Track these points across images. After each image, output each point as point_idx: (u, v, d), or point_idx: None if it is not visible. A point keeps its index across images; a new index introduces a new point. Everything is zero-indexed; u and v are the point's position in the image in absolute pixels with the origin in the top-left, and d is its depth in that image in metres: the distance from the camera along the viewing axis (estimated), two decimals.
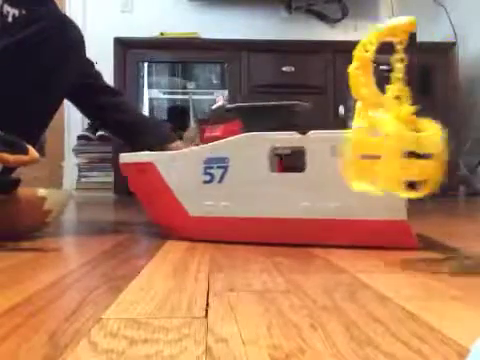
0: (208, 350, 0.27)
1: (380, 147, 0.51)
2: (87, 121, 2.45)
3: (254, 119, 0.72)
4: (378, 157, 0.51)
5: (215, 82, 2.58)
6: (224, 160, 0.69)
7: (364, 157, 0.54)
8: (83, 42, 0.88)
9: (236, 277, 0.46)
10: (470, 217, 1.31)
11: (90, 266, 0.53)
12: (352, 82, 0.61)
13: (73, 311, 0.34)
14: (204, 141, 0.76)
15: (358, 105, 0.64)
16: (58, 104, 0.90)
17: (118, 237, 0.76)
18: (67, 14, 1.02)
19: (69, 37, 0.85)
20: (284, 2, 2.50)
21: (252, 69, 2.32)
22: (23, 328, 0.31)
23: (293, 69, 2.30)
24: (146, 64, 2.48)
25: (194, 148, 0.73)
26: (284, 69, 2.31)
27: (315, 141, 0.65)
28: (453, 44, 2.40)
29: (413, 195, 0.50)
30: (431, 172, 0.50)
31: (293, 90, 2.21)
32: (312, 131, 0.65)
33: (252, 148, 0.67)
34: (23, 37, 0.80)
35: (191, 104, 2.40)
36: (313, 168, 0.65)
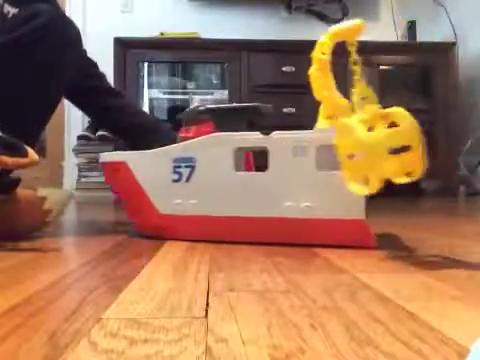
0: (208, 350, 0.27)
1: (360, 146, 0.52)
2: (87, 121, 2.45)
3: (224, 120, 0.74)
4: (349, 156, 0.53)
5: (215, 82, 2.58)
6: (191, 160, 0.71)
7: (350, 157, 0.55)
8: (80, 39, 0.88)
9: (236, 277, 0.46)
10: (470, 217, 1.31)
11: (90, 266, 0.53)
12: (313, 84, 0.63)
13: (73, 311, 0.34)
14: (180, 141, 0.78)
15: (321, 107, 0.66)
16: (57, 102, 0.89)
17: (118, 237, 0.76)
18: (67, 14, 1.01)
19: (66, 34, 0.85)
20: (284, 2, 2.50)
21: (252, 69, 2.32)
22: (23, 328, 0.31)
23: (293, 69, 2.30)
24: (146, 64, 2.48)
25: (164, 148, 0.75)
26: (284, 69, 2.31)
27: (277, 141, 0.67)
28: (453, 44, 2.40)
29: (402, 180, 0.50)
30: (413, 163, 0.50)
31: (293, 90, 2.21)
32: (275, 132, 0.67)
33: (217, 148, 0.70)
34: (20, 34, 0.79)
35: (191, 104, 2.40)
36: (275, 168, 0.67)
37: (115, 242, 0.71)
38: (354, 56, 0.58)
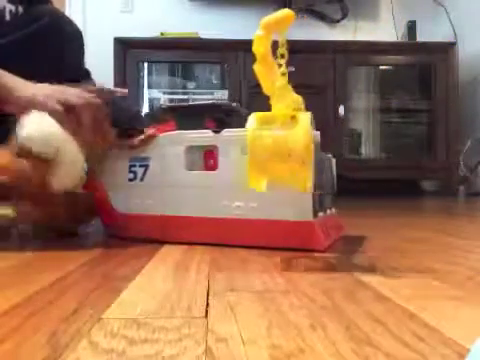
0: (208, 350, 0.27)
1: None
2: None
3: (187, 119, 0.74)
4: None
5: (215, 82, 2.58)
6: (145, 159, 0.72)
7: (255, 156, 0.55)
8: (81, 37, 0.89)
9: (236, 277, 0.46)
10: (470, 217, 1.31)
11: (90, 266, 0.53)
12: (260, 79, 0.61)
13: (73, 311, 0.34)
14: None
15: (271, 100, 0.63)
16: None
17: (118, 237, 0.76)
18: (67, 14, 1.02)
19: (68, 32, 0.86)
20: (284, 2, 2.50)
21: (252, 69, 2.32)
22: (23, 328, 0.31)
23: (293, 69, 2.30)
24: (146, 64, 2.47)
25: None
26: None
27: (227, 140, 0.67)
28: (453, 44, 2.40)
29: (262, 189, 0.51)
30: (291, 172, 0.50)
31: (293, 90, 2.21)
32: (225, 130, 0.67)
33: (170, 147, 0.70)
34: (25, 34, 0.80)
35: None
36: (224, 167, 0.67)
37: (115, 242, 0.71)
38: (283, 49, 0.56)
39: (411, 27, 2.60)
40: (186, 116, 0.75)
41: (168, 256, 0.59)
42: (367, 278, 0.45)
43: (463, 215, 1.39)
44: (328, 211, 0.71)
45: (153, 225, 0.71)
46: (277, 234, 0.63)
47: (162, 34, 2.39)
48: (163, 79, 2.57)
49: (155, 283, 0.44)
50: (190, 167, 0.70)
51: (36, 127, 0.61)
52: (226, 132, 0.67)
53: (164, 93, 2.53)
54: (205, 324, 0.31)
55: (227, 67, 2.36)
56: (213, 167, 0.69)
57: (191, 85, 2.53)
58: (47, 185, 0.62)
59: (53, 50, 0.83)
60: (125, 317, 0.33)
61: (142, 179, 0.72)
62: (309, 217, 0.61)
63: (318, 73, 2.30)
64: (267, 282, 0.44)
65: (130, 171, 0.73)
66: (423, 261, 0.56)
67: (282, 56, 0.56)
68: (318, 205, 0.65)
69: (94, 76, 1.11)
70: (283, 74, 0.56)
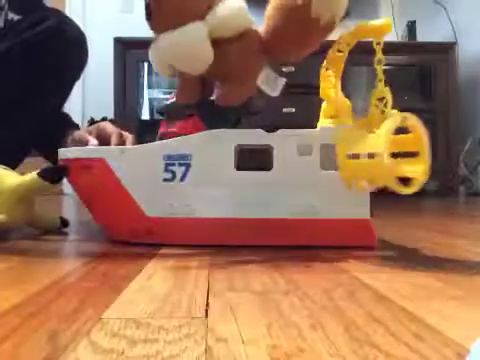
0: (208, 350, 0.27)
1: (369, 146, 0.51)
2: (86, 121, 2.44)
3: (214, 116, 0.69)
4: (369, 156, 0.51)
5: None
6: (186, 157, 0.66)
7: (350, 156, 0.54)
8: (85, 40, 0.89)
9: (236, 277, 0.46)
10: (470, 217, 1.31)
11: (90, 266, 0.53)
12: (322, 82, 0.62)
13: (73, 311, 0.34)
14: (158, 137, 0.73)
15: (323, 105, 0.64)
16: (61, 103, 0.91)
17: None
18: (67, 14, 1.02)
19: (72, 36, 0.86)
20: None
21: None
22: (23, 328, 0.31)
23: (293, 69, 2.30)
24: (146, 64, 2.48)
25: (152, 144, 0.68)
26: (284, 69, 2.31)
27: (282, 139, 0.64)
28: (453, 44, 2.40)
29: (406, 191, 0.50)
30: (418, 170, 0.50)
31: (293, 90, 2.21)
32: (281, 129, 0.65)
33: (216, 145, 0.65)
34: (28, 37, 0.81)
35: None
36: (280, 167, 0.65)
37: (115, 242, 0.70)
38: (379, 55, 0.55)
39: (411, 27, 2.60)
40: (212, 113, 0.69)
41: (168, 256, 0.59)
42: (367, 278, 0.45)
43: (463, 215, 1.39)
44: None
45: (194, 228, 0.66)
46: (336, 232, 0.64)
47: None
48: (163, 79, 2.57)
49: (155, 283, 0.44)
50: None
51: None
52: (281, 131, 0.65)
53: (164, 93, 2.53)
54: (205, 324, 0.31)
55: None
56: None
57: None
58: None
59: (56, 52, 0.84)
60: (125, 317, 0.33)
61: (182, 179, 0.66)
62: (366, 215, 0.64)
63: (318, 73, 2.30)
64: (267, 282, 0.44)
65: (167, 170, 0.66)
66: (423, 261, 0.56)
67: (379, 62, 0.55)
68: None
69: (94, 76, 1.12)
70: (381, 81, 0.55)
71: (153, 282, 0.44)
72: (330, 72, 0.61)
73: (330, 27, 0.58)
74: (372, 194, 0.64)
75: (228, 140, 0.65)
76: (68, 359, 0.25)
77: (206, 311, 0.34)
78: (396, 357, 0.26)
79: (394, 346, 0.27)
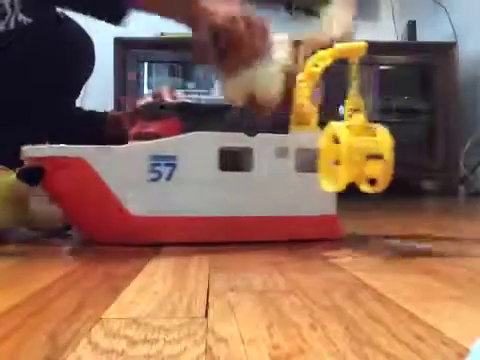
0: (208, 350, 0.27)
1: (340, 153, 0.57)
2: None
3: (199, 119, 0.73)
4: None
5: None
6: (172, 158, 0.68)
7: (336, 163, 0.59)
8: (92, 43, 0.91)
9: (236, 277, 0.46)
10: (470, 217, 1.31)
11: (90, 266, 0.53)
12: (298, 91, 0.69)
13: (73, 311, 0.34)
14: (133, 136, 0.73)
15: (293, 115, 0.72)
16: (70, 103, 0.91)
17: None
18: (67, 14, 1.03)
19: (78, 40, 0.88)
20: (284, 2, 2.49)
21: None
22: (23, 328, 0.31)
23: None
24: (146, 64, 2.47)
25: (138, 144, 0.69)
26: None
27: (262, 142, 0.70)
28: (453, 44, 2.40)
29: (371, 190, 0.59)
30: (382, 171, 0.56)
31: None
32: (260, 133, 0.70)
33: (201, 147, 0.69)
34: (34, 41, 0.82)
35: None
36: (259, 168, 0.69)
37: (114, 242, 0.70)
38: (354, 72, 0.62)
39: (411, 27, 2.60)
40: (195, 116, 0.73)
41: (168, 256, 0.59)
42: (367, 278, 0.45)
43: (463, 215, 1.39)
44: None
45: (178, 226, 0.67)
46: (310, 227, 0.71)
47: (162, 34, 2.39)
48: (163, 79, 2.57)
49: (155, 283, 0.44)
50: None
51: None
52: (261, 135, 0.70)
53: None
54: (205, 324, 0.31)
55: None
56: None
57: (191, 85, 2.53)
58: None
59: (65, 55, 0.85)
60: (125, 317, 0.33)
61: (168, 179, 0.67)
62: (334, 211, 0.72)
63: None
64: (267, 282, 0.44)
65: (153, 171, 0.67)
66: (423, 261, 0.56)
67: (354, 78, 0.62)
68: None
69: (94, 76, 1.12)
70: (354, 95, 0.62)
71: (153, 282, 0.44)
72: (304, 84, 0.69)
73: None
74: (375, 194, 0.65)
75: (212, 142, 0.69)
76: (68, 359, 0.25)
77: (206, 311, 0.34)
78: (396, 357, 0.26)
79: (394, 346, 0.27)
